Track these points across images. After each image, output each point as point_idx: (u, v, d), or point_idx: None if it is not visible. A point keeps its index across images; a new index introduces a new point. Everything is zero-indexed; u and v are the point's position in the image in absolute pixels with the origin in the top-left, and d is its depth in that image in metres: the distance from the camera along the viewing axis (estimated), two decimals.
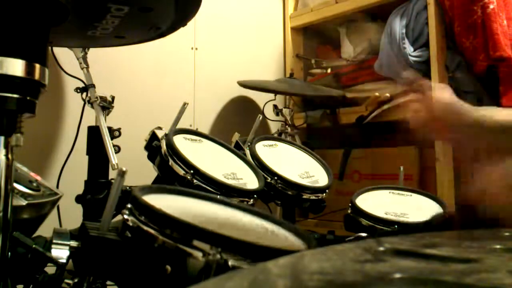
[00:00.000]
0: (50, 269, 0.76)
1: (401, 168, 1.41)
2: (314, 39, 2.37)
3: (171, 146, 1.08)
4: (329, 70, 2.19)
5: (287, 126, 1.87)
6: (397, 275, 0.27)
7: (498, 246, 0.37)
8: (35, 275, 0.75)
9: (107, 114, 1.21)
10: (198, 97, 1.87)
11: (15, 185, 0.78)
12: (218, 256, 0.56)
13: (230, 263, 0.56)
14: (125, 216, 0.64)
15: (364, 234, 1.10)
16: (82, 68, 1.27)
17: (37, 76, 0.66)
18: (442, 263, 0.31)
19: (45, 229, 0.85)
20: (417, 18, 1.77)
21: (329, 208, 1.41)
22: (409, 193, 1.33)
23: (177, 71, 1.83)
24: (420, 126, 0.90)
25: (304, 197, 1.28)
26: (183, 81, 1.85)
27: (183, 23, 0.80)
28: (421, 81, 0.94)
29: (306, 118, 2.04)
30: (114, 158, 1.09)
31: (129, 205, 0.65)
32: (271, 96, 1.93)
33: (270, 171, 1.25)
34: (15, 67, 0.64)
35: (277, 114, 1.92)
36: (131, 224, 0.63)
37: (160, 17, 0.77)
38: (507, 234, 0.45)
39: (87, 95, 1.24)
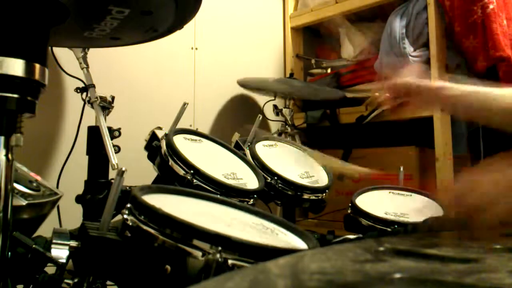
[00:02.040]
0: (50, 269, 0.76)
1: (401, 168, 1.41)
2: (314, 39, 2.38)
3: (171, 146, 1.08)
4: (329, 70, 2.19)
5: (287, 126, 1.87)
6: (397, 275, 0.27)
7: (498, 246, 0.37)
8: (35, 275, 0.75)
9: (107, 114, 1.21)
10: (198, 97, 1.87)
11: (15, 185, 0.78)
12: (218, 255, 0.56)
13: (230, 262, 0.56)
14: (125, 216, 0.64)
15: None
16: (82, 68, 1.27)
17: (37, 76, 0.66)
18: (442, 263, 0.31)
19: (45, 229, 0.84)
20: (417, 18, 1.77)
21: (329, 208, 1.41)
22: (409, 193, 1.33)
23: (177, 71, 1.83)
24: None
25: (304, 197, 1.28)
26: (183, 81, 1.85)
27: (181, 26, 0.80)
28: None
29: (306, 118, 2.04)
30: (114, 158, 1.09)
31: (128, 205, 0.65)
32: (271, 96, 1.94)
33: (270, 171, 1.25)
34: (15, 67, 0.64)
35: (277, 114, 1.92)
36: (130, 223, 0.63)
37: (159, 20, 0.77)
38: (507, 234, 0.45)
39: (87, 95, 1.24)
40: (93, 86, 1.24)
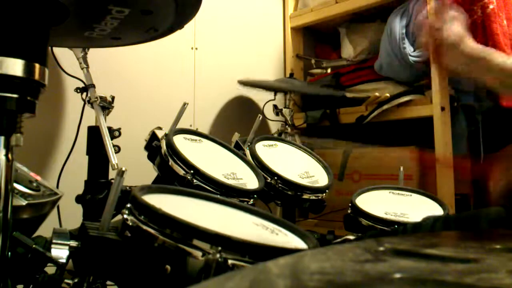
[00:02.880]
0: (50, 269, 0.76)
1: (401, 168, 1.41)
2: (314, 39, 2.38)
3: (171, 146, 1.08)
4: (329, 70, 2.19)
5: (287, 126, 1.87)
6: (397, 275, 0.27)
7: (498, 246, 0.37)
8: (35, 275, 0.75)
9: (107, 114, 1.21)
10: (198, 97, 1.87)
11: (15, 185, 0.78)
12: (218, 255, 0.56)
13: (230, 262, 0.56)
14: (125, 216, 0.64)
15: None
16: (82, 68, 1.27)
17: (37, 76, 0.66)
18: (442, 263, 0.31)
19: (45, 229, 0.85)
20: (417, 18, 1.77)
21: (329, 208, 1.41)
22: (409, 193, 1.33)
23: (177, 71, 1.83)
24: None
25: (304, 197, 1.28)
26: (183, 81, 1.85)
27: (181, 25, 0.80)
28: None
29: (306, 118, 2.04)
30: (114, 158, 1.09)
31: (128, 205, 0.65)
32: (271, 96, 1.94)
33: (270, 171, 1.25)
34: (15, 67, 0.64)
35: (277, 114, 1.92)
36: (130, 223, 0.63)
37: (159, 19, 0.77)
38: (507, 234, 0.45)
39: (87, 95, 1.24)
40: (93, 86, 1.24)
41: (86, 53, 1.29)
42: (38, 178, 0.91)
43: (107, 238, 0.63)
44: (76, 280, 0.71)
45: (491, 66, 0.88)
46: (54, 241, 0.69)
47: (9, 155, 0.64)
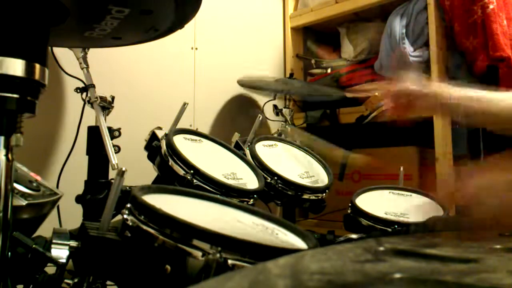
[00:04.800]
0: (50, 269, 0.76)
1: (401, 168, 1.41)
2: (314, 39, 2.38)
3: (171, 146, 1.08)
4: (329, 70, 2.18)
5: (287, 126, 1.87)
6: (397, 275, 0.27)
7: (498, 246, 0.37)
8: (35, 275, 0.75)
9: (107, 114, 1.21)
10: (198, 97, 1.87)
11: (15, 185, 0.78)
12: (218, 255, 0.56)
13: (230, 262, 0.56)
14: (125, 216, 0.64)
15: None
16: (82, 68, 1.27)
17: (37, 76, 0.66)
18: (442, 263, 0.31)
19: (45, 229, 0.84)
20: (417, 18, 1.77)
21: (329, 208, 1.41)
22: (409, 193, 1.33)
23: (177, 71, 1.83)
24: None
25: (304, 197, 1.28)
26: (183, 81, 1.85)
27: (181, 25, 0.80)
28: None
29: (306, 118, 2.04)
30: (114, 158, 1.09)
31: (128, 205, 0.65)
32: (271, 96, 1.93)
33: (270, 171, 1.25)
34: (15, 67, 0.64)
35: (277, 114, 1.91)
36: (130, 223, 0.63)
37: (159, 19, 0.77)
38: (507, 234, 0.45)
39: (87, 95, 1.24)
40: (93, 86, 1.24)
41: (86, 53, 1.29)
42: (38, 178, 0.91)
43: (107, 238, 0.63)
44: (76, 280, 0.71)
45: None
46: (54, 241, 0.69)
47: (9, 155, 0.64)
